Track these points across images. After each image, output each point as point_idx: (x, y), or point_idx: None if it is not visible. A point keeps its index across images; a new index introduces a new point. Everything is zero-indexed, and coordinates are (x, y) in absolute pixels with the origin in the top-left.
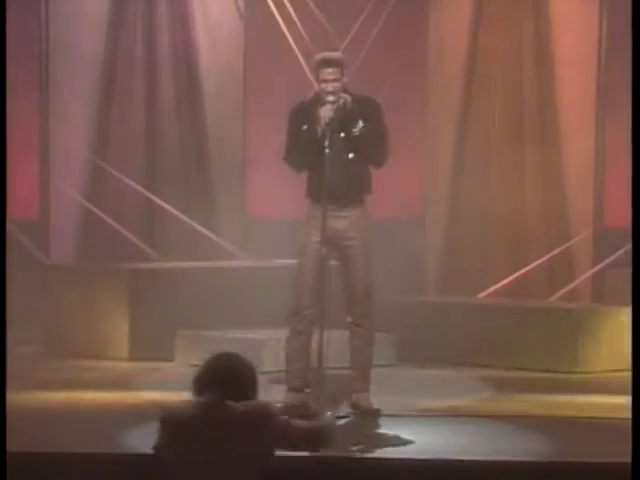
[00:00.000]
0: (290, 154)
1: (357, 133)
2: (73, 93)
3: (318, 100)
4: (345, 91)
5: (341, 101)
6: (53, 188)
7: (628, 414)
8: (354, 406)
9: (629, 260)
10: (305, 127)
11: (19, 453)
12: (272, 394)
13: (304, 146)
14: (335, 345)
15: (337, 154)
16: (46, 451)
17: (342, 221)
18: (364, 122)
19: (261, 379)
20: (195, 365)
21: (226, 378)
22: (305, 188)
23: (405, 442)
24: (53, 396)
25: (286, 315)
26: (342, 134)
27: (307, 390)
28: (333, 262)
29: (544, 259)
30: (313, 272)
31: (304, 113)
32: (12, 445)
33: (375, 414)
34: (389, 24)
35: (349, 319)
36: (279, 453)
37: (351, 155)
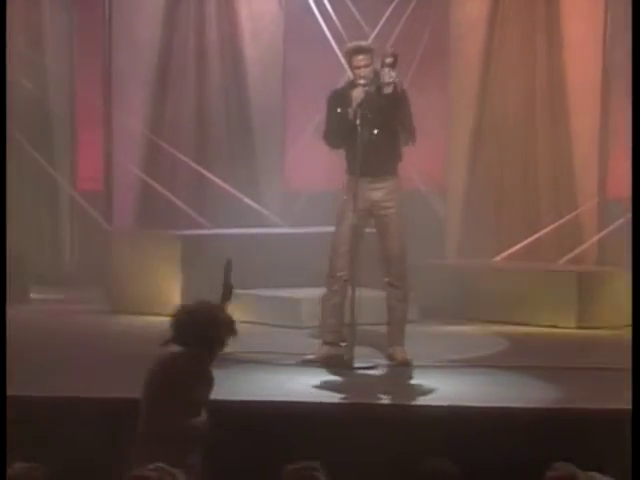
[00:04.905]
0: (327, 134)
1: (395, 77)
2: (133, 78)
3: (351, 85)
4: (377, 77)
5: (371, 88)
6: (116, 163)
7: (627, 365)
8: (390, 357)
9: (628, 228)
10: (339, 110)
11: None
12: (309, 346)
13: (339, 127)
14: (369, 303)
15: (367, 132)
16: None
17: (378, 192)
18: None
19: (300, 333)
20: (243, 321)
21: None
22: (345, 165)
23: (428, 390)
24: (113, 346)
25: (322, 276)
26: (369, 115)
27: (342, 344)
28: (369, 230)
29: (553, 226)
30: (347, 239)
31: (338, 98)
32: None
33: (409, 365)
34: (414, 14)
35: (386, 280)
36: (306, 399)
37: (376, 131)
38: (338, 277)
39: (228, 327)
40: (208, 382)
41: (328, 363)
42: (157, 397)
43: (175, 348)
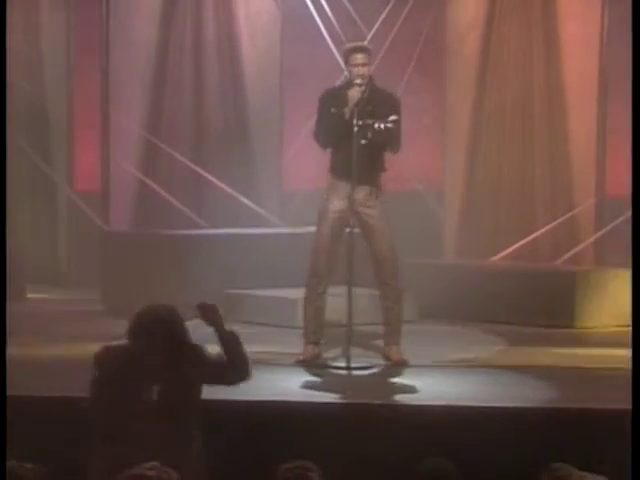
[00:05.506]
0: (319, 134)
1: (390, 125)
2: (130, 78)
3: (346, 85)
4: (371, 80)
5: (367, 89)
6: (112, 164)
7: (625, 364)
8: (386, 358)
9: (628, 227)
10: (333, 110)
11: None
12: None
13: (331, 126)
14: (359, 303)
15: (362, 133)
16: None
17: (360, 193)
18: (394, 115)
19: (296, 333)
20: (243, 321)
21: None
22: (329, 165)
23: (426, 390)
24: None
25: (305, 277)
26: (360, 122)
27: (322, 343)
28: (353, 230)
29: (551, 226)
30: (331, 238)
31: (332, 97)
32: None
33: (406, 365)
34: (411, 14)
35: (378, 281)
36: (302, 399)
37: (363, 141)
38: (322, 277)
39: (173, 323)
40: (157, 379)
41: (323, 364)
42: (95, 395)
43: (115, 343)
